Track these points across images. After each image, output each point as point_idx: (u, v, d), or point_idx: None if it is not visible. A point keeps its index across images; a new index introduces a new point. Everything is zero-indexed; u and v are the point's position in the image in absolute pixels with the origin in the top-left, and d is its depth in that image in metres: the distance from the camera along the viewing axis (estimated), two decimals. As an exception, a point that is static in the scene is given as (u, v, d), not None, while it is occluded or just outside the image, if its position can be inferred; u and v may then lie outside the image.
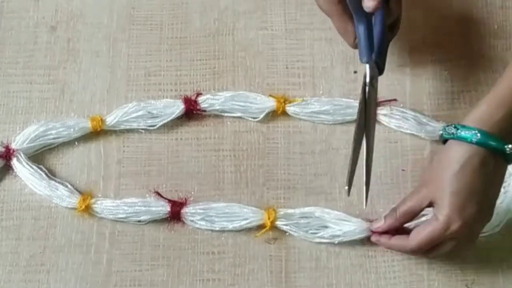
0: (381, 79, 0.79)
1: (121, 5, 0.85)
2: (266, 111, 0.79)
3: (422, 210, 0.69)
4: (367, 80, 0.71)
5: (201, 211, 0.75)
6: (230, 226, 0.75)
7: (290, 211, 0.75)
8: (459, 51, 0.83)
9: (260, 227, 0.75)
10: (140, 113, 0.79)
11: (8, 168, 0.77)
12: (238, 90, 0.81)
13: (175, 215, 0.75)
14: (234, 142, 0.79)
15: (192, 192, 0.77)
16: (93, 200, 0.76)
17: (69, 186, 0.76)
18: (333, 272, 0.75)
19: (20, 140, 0.77)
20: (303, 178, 0.78)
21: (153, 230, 0.76)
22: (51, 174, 0.77)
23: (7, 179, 0.77)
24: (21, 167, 0.76)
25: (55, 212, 0.76)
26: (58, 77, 0.82)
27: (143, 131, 0.79)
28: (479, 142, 0.65)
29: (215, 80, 0.82)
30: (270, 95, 0.79)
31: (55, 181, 0.76)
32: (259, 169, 0.78)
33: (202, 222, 0.75)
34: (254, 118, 0.79)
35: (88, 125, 0.78)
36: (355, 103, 0.77)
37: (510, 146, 0.66)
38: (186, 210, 0.75)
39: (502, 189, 0.75)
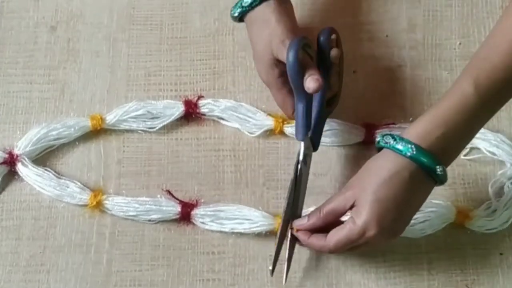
0: (381, 79, 0.79)
1: (121, 5, 0.85)
2: (264, 129, 0.79)
3: (345, 211, 0.68)
4: (301, 158, 0.72)
5: (211, 213, 0.75)
6: (240, 228, 0.75)
7: None
8: (459, 51, 0.83)
9: (270, 232, 0.75)
10: (140, 112, 0.79)
11: (13, 174, 0.77)
12: (238, 90, 0.81)
13: (185, 216, 0.75)
14: (234, 142, 0.79)
15: (192, 192, 0.77)
16: (104, 196, 0.76)
17: (79, 183, 0.76)
18: (333, 272, 0.75)
19: (22, 144, 0.77)
20: (303, 178, 0.78)
21: (153, 230, 0.76)
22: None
23: (7, 179, 0.77)
24: (27, 171, 0.76)
25: (55, 212, 0.76)
26: (58, 77, 0.82)
27: (142, 132, 0.79)
28: (412, 157, 0.65)
29: (215, 80, 0.82)
30: (269, 114, 0.79)
31: (65, 179, 0.76)
32: (259, 169, 0.78)
33: (212, 224, 0.75)
34: (251, 133, 0.79)
35: (88, 124, 0.78)
36: (355, 128, 0.78)
37: (441, 167, 0.65)
38: (196, 212, 0.75)
39: (510, 185, 0.77)
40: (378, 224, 0.65)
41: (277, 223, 0.74)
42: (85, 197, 0.76)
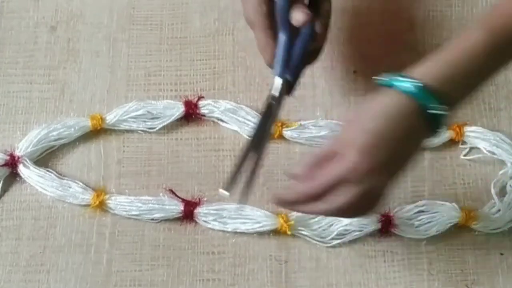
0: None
1: (121, 5, 0.85)
2: None
3: (332, 153, 0.61)
4: (274, 93, 0.67)
5: (214, 211, 0.75)
6: (243, 228, 0.75)
7: (299, 213, 0.75)
8: (459, 51, 0.83)
9: (273, 231, 0.75)
10: (140, 112, 0.79)
11: (14, 176, 0.77)
12: (238, 90, 0.81)
13: (188, 214, 0.75)
14: (234, 142, 0.79)
15: (192, 192, 0.77)
16: (107, 196, 0.76)
17: (81, 183, 0.76)
18: (333, 272, 0.75)
19: (23, 146, 0.77)
20: (303, 178, 0.78)
21: (153, 230, 0.76)
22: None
23: (8, 181, 0.77)
24: (29, 172, 0.76)
25: (55, 212, 0.76)
26: (58, 77, 0.82)
27: (142, 132, 0.79)
28: (412, 92, 0.59)
29: (215, 80, 0.82)
30: None
31: (67, 179, 0.77)
32: (259, 169, 0.78)
33: (215, 223, 0.75)
34: (249, 136, 0.79)
35: (88, 123, 0.78)
36: None
37: (440, 106, 0.59)
38: (199, 210, 0.75)
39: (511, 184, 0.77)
40: (370, 158, 0.59)
41: (279, 223, 0.74)
42: (88, 197, 0.76)
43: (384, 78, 0.62)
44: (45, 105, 0.81)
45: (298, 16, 0.66)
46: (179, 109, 0.79)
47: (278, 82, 0.68)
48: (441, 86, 0.60)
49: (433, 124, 0.61)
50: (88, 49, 0.83)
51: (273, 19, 0.68)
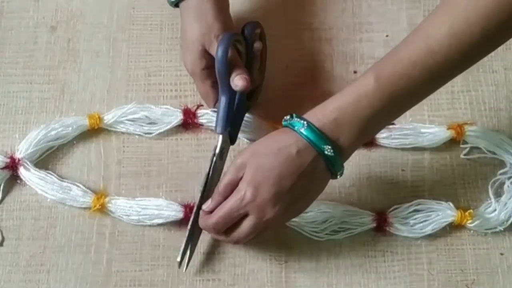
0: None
1: (121, 5, 0.85)
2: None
3: (239, 179, 0.67)
4: (217, 151, 0.73)
5: None
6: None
7: None
8: (459, 51, 0.83)
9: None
10: (138, 115, 0.79)
11: (15, 177, 0.77)
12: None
13: (187, 219, 0.75)
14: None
15: (192, 192, 0.77)
16: (107, 199, 0.76)
17: (81, 186, 0.76)
18: (333, 272, 0.75)
19: (23, 148, 0.77)
20: (303, 178, 0.78)
21: (153, 230, 0.76)
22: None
23: (8, 183, 0.77)
24: (29, 175, 0.76)
25: (55, 212, 0.76)
26: (58, 77, 0.82)
27: (138, 136, 0.79)
28: (302, 133, 0.65)
29: (215, 80, 0.82)
30: (273, 125, 0.78)
31: (67, 182, 0.76)
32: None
33: None
34: (250, 141, 0.79)
35: (85, 122, 0.78)
36: None
37: (329, 147, 0.65)
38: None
39: (510, 184, 0.76)
40: (256, 191, 0.65)
41: None
42: (88, 200, 0.76)
43: (286, 119, 0.67)
44: (45, 105, 0.80)
45: (239, 83, 0.71)
46: (177, 117, 0.79)
47: (221, 140, 0.74)
48: (332, 129, 0.65)
49: (330, 167, 0.66)
50: (88, 49, 0.83)
51: (211, 70, 0.73)
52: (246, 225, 0.67)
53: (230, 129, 0.74)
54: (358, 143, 0.67)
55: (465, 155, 0.79)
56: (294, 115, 0.67)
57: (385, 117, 0.66)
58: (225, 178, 0.68)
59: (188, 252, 0.72)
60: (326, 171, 0.67)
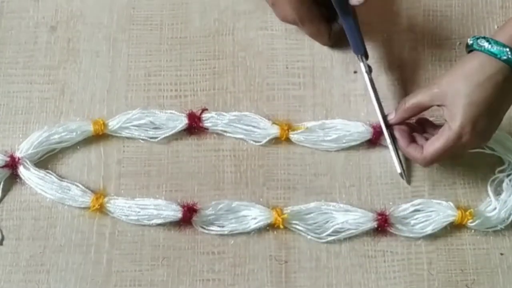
0: (381, 79, 0.79)
1: (121, 5, 0.85)
2: (269, 137, 0.78)
3: (430, 107, 0.71)
4: (367, 69, 0.77)
5: (212, 216, 0.75)
6: (240, 228, 0.75)
7: (296, 208, 0.76)
8: (459, 51, 0.83)
9: (271, 229, 0.76)
10: (143, 121, 0.79)
11: (14, 177, 0.77)
12: (238, 90, 0.81)
13: (186, 220, 0.75)
14: (234, 142, 0.79)
15: (192, 192, 0.77)
16: (106, 199, 0.76)
17: (81, 186, 0.76)
18: (333, 272, 0.75)
19: (24, 147, 0.77)
20: (303, 178, 0.78)
21: (153, 230, 0.76)
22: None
23: (8, 182, 0.77)
24: (28, 174, 0.76)
25: (55, 212, 0.76)
26: (58, 77, 0.82)
27: (143, 140, 0.79)
28: (508, 60, 0.66)
29: (215, 80, 0.82)
30: (274, 123, 0.78)
31: (66, 182, 0.76)
32: (259, 169, 0.78)
33: (213, 227, 0.75)
34: (256, 142, 0.79)
35: (90, 128, 0.78)
36: (361, 126, 0.78)
37: None
38: (196, 218, 0.75)
39: (508, 182, 0.77)
40: (473, 128, 0.67)
41: (273, 217, 0.75)
42: (87, 200, 0.76)
43: (480, 43, 0.68)
44: (45, 105, 0.80)
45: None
46: (182, 122, 0.79)
47: (364, 59, 0.77)
48: None
49: None
50: (88, 49, 0.83)
51: (315, 8, 0.77)
52: (458, 154, 0.72)
53: (364, 48, 0.77)
54: None
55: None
56: (489, 39, 0.67)
57: None
58: (415, 98, 0.71)
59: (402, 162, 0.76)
60: None
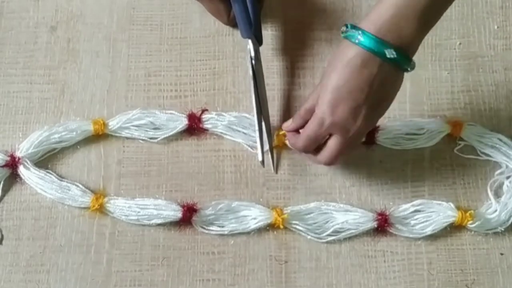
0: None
1: (121, 5, 0.85)
2: (266, 147, 0.78)
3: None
4: (252, 54, 0.77)
5: (212, 216, 0.75)
6: (240, 228, 0.75)
7: (296, 208, 0.76)
8: (459, 51, 0.83)
9: (271, 228, 0.76)
10: (143, 121, 0.79)
11: (15, 177, 0.77)
12: (238, 90, 0.81)
13: (186, 220, 0.75)
14: (234, 143, 0.79)
15: (192, 192, 0.77)
16: (106, 199, 0.76)
17: (80, 186, 0.76)
18: (333, 272, 0.75)
19: (24, 147, 0.77)
20: (303, 178, 0.78)
21: (153, 230, 0.76)
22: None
23: (8, 181, 0.77)
24: (29, 173, 0.76)
25: (55, 212, 0.76)
26: (58, 77, 0.82)
27: (143, 141, 0.79)
28: (361, 43, 0.64)
29: (215, 80, 0.82)
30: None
31: (66, 182, 0.77)
32: (259, 169, 0.78)
33: (213, 227, 0.75)
34: (253, 148, 0.79)
35: (90, 128, 0.78)
36: None
37: (391, 51, 0.64)
38: (196, 218, 0.75)
39: (508, 184, 0.76)
40: (333, 112, 0.66)
41: (273, 217, 0.75)
42: (87, 200, 0.76)
43: (343, 30, 0.66)
44: (45, 105, 0.80)
45: None
46: (182, 122, 0.79)
47: (251, 43, 0.78)
48: (390, 29, 0.64)
49: (399, 66, 0.66)
50: (88, 49, 0.83)
51: None
52: (332, 144, 0.69)
53: (254, 30, 0.78)
54: (422, 34, 0.66)
55: (463, 154, 0.79)
56: (349, 25, 0.66)
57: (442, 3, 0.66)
58: (306, 104, 0.70)
59: (269, 155, 0.77)
60: (397, 71, 0.66)
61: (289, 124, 0.74)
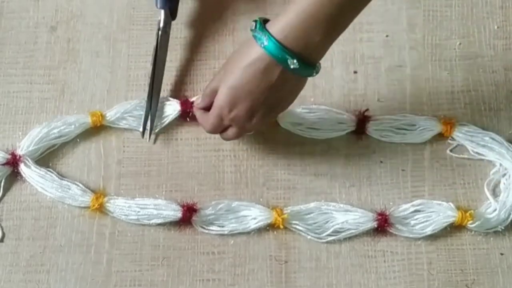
0: (381, 79, 0.79)
1: (121, 5, 0.85)
2: None
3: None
4: (161, 25, 0.79)
5: (212, 216, 0.75)
6: (240, 228, 0.75)
7: (296, 208, 0.76)
8: (459, 51, 0.83)
9: (271, 228, 0.76)
10: (140, 112, 0.79)
11: (15, 175, 0.77)
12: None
13: (186, 220, 0.75)
14: (234, 142, 0.79)
15: (192, 192, 0.77)
16: (106, 199, 0.76)
17: (81, 185, 0.76)
18: (333, 272, 0.75)
19: (24, 145, 0.77)
20: (303, 178, 0.78)
21: (153, 230, 0.76)
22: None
23: (9, 180, 0.77)
24: (29, 172, 0.76)
25: (55, 212, 0.76)
26: (58, 77, 0.82)
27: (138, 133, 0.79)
28: (266, 48, 0.64)
29: (215, 80, 0.82)
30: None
31: (67, 181, 0.77)
32: (259, 169, 0.78)
33: (213, 227, 0.76)
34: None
35: (88, 120, 0.78)
36: (346, 115, 0.79)
37: (293, 61, 0.64)
38: (196, 218, 0.75)
39: (505, 182, 0.77)
40: (230, 110, 0.68)
41: (273, 217, 0.75)
42: (87, 199, 0.76)
43: (252, 27, 0.66)
44: (45, 105, 0.80)
45: None
46: (176, 109, 0.79)
47: (163, 14, 0.79)
48: (297, 36, 0.63)
49: (300, 75, 0.66)
50: (88, 49, 0.83)
51: None
52: (231, 132, 0.72)
53: (170, 4, 0.80)
54: (330, 41, 0.66)
55: (456, 154, 0.79)
56: (258, 23, 0.65)
57: (350, 5, 0.64)
58: (209, 86, 0.71)
59: (148, 123, 0.78)
60: (298, 78, 0.67)
61: (199, 102, 0.75)
